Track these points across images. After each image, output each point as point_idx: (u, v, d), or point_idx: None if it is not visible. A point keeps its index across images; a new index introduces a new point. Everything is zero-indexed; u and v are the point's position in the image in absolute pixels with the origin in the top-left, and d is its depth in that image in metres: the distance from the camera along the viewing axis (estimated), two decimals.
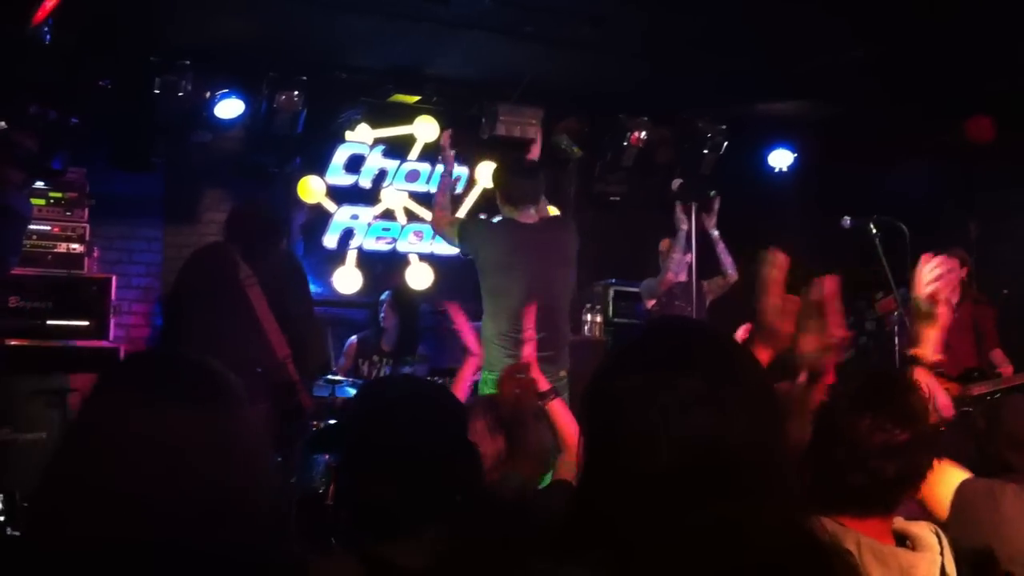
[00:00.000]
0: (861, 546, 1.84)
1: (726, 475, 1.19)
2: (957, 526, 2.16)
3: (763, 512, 1.18)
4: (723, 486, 1.18)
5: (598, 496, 1.24)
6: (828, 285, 2.32)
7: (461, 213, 7.59)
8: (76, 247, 5.89)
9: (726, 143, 7.70)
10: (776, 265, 2.33)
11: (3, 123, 4.39)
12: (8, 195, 3.42)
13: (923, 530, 1.96)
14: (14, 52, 5.08)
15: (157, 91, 6.12)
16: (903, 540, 1.94)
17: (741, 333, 4.12)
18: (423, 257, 7.52)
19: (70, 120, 5.66)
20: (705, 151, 7.75)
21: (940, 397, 2.24)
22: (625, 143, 7.52)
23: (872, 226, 5.32)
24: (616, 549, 1.18)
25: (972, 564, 2.10)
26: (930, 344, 2.45)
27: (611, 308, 7.49)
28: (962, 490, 2.26)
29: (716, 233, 6.47)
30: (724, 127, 7.65)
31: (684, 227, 6.11)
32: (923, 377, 2.19)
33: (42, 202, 5.79)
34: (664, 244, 6.61)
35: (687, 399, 1.20)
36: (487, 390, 4.35)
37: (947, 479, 2.24)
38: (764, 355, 2.24)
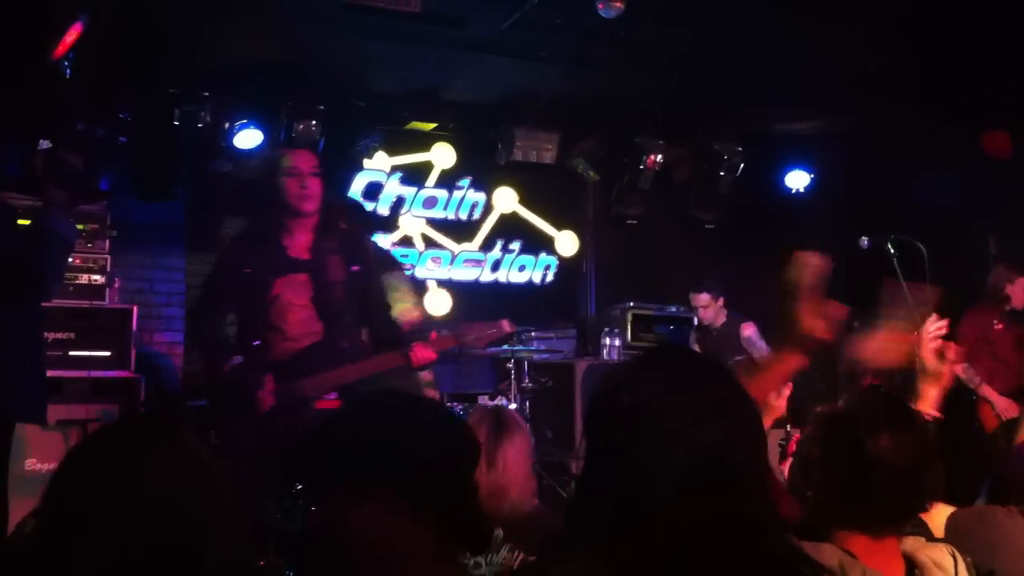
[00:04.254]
0: None
1: (717, 483, 1.24)
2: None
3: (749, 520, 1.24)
4: (712, 493, 1.24)
5: (594, 505, 1.29)
6: (815, 262, 2.28)
7: (479, 239, 7.63)
8: (97, 278, 5.93)
9: (743, 164, 7.71)
10: (808, 268, 2.28)
11: (48, 142, 4.41)
12: (53, 217, 3.43)
13: (935, 554, 1.94)
14: (36, 85, 5.16)
15: (177, 122, 6.20)
16: (912, 568, 1.92)
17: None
18: (441, 283, 7.54)
19: (118, 139, 5.72)
20: (722, 172, 7.75)
21: None
22: (642, 165, 7.53)
23: (890, 245, 5.29)
24: (607, 552, 1.22)
25: None
26: (930, 401, 2.50)
27: (629, 331, 7.48)
28: (954, 519, 2.27)
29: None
30: (741, 148, 7.66)
31: None
32: None
33: None
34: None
35: (684, 415, 1.27)
36: None
37: (936, 511, 2.24)
38: (794, 361, 2.21)
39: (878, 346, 2.28)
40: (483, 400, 6.20)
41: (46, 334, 5.45)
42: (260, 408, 3.98)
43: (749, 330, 6.92)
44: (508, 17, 5.49)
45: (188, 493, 1.40)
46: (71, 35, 5.13)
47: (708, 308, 7.12)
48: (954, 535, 2.22)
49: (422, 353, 4.21)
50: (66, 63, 5.25)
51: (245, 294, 4.19)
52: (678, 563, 1.22)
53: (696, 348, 6.93)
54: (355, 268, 4.28)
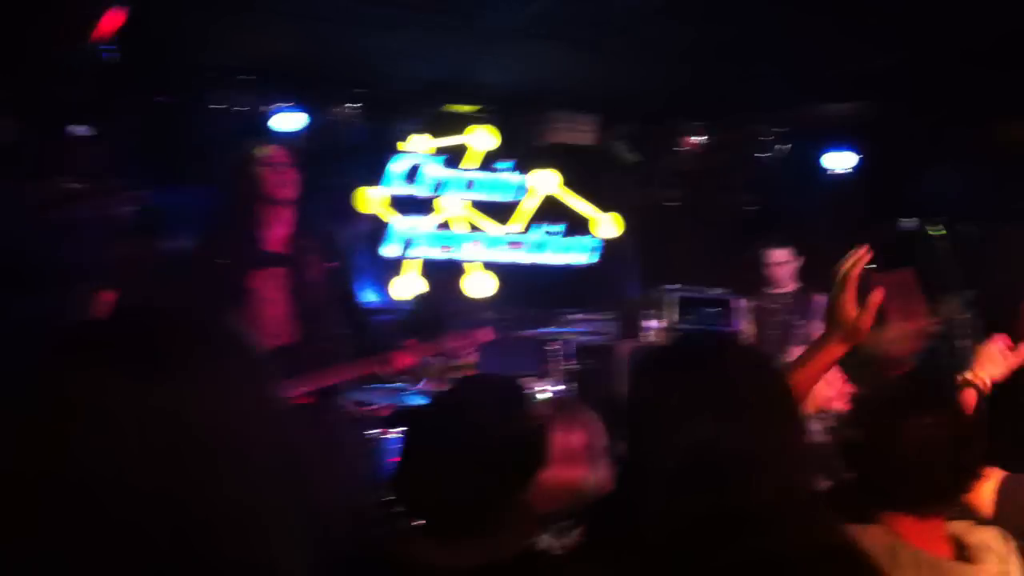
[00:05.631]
0: (920, 563, 1.82)
1: (737, 474, 1.25)
2: (1004, 519, 2.15)
3: (778, 509, 1.23)
4: (735, 484, 1.24)
5: (624, 494, 1.30)
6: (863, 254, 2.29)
7: (520, 221, 7.63)
8: None
9: (784, 145, 7.64)
10: (858, 260, 2.29)
11: (87, 129, 4.43)
12: (77, 208, 3.47)
13: (986, 537, 1.93)
14: (70, 69, 5.21)
15: (215, 107, 6.25)
16: (961, 549, 1.92)
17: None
18: (483, 265, 7.57)
19: (138, 133, 5.76)
20: (763, 154, 7.70)
21: None
22: (682, 147, 7.49)
23: (932, 228, 5.23)
24: (632, 546, 1.23)
25: None
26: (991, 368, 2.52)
27: (672, 313, 7.45)
28: (1005, 484, 2.26)
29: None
30: (783, 130, 7.59)
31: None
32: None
33: None
34: None
35: (704, 403, 1.28)
36: None
37: (987, 483, 2.24)
38: (839, 350, 2.22)
39: (894, 336, 2.28)
40: (527, 382, 6.22)
41: None
42: None
43: (824, 300, 6.42)
44: (533, 1, 5.47)
45: None
46: (109, 20, 5.18)
47: (785, 266, 6.46)
48: (1003, 498, 2.22)
49: (402, 360, 4.17)
50: (101, 47, 5.30)
51: (219, 287, 4.01)
52: (675, 562, 1.22)
53: (751, 325, 6.61)
54: (332, 265, 4.24)
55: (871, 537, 1.74)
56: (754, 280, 6.68)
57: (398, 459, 1.90)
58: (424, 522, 1.83)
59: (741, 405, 1.35)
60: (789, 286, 6.49)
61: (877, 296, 2.13)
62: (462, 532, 1.78)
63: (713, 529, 1.24)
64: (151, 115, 6.12)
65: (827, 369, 2.23)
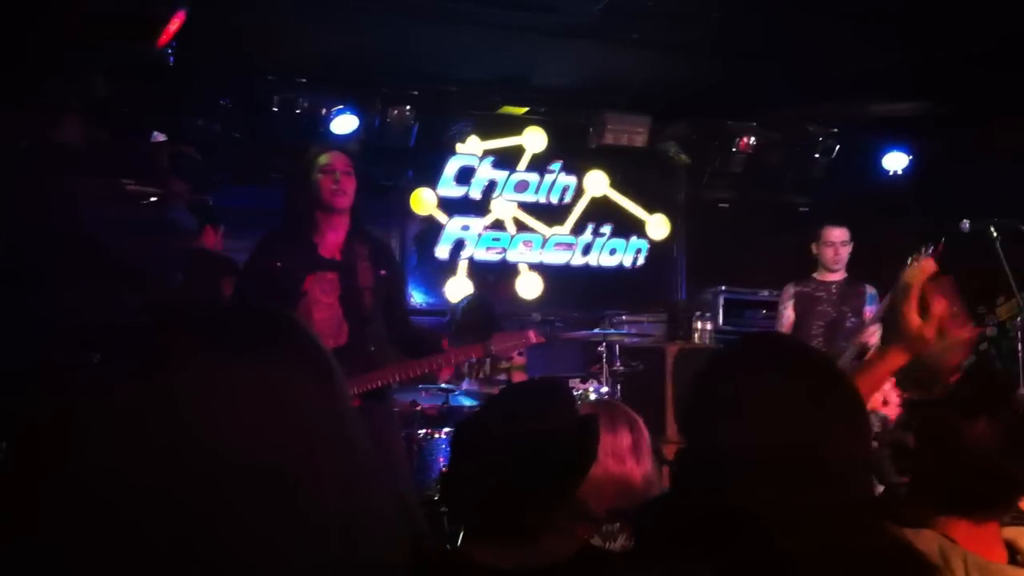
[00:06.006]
0: (968, 565, 1.82)
1: (810, 475, 1.26)
2: None
3: (846, 512, 1.24)
4: (803, 486, 1.25)
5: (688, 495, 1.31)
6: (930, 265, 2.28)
7: (570, 222, 7.65)
8: None
9: (838, 146, 7.58)
10: (923, 269, 2.28)
11: (163, 136, 4.54)
12: (172, 208, 3.53)
13: None
14: (139, 73, 5.31)
15: (275, 108, 6.35)
16: (1014, 554, 1.91)
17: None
18: (533, 267, 7.59)
19: (232, 134, 5.85)
20: (816, 154, 7.65)
21: None
22: (734, 149, 7.46)
23: (993, 229, 5.18)
24: (697, 547, 1.25)
25: None
26: None
27: (721, 315, 7.44)
28: None
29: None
30: (836, 130, 7.53)
31: None
32: None
33: None
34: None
35: (776, 403, 1.29)
36: None
37: None
38: (900, 360, 2.21)
39: (946, 344, 2.25)
40: (574, 384, 6.24)
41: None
42: None
43: (872, 289, 6.14)
44: (599, 1, 5.49)
45: None
46: (174, 23, 5.29)
47: (841, 248, 6.12)
48: None
49: (448, 370, 4.25)
50: (169, 50, 5.41)
51: (274, 289, 4.17)
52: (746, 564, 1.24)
53: (789, 312, 6.26)
54: (383, 272, 4.33)
55: (924, 541, 1.74)
56: (801, 266, 6.44)
57: (448, 466, 1.93)
58: (476, 525, 1.86)
59: (818, 406, 1.37)
60: (840, 273, 6.17)
61: (941, 305, 2.12)
62: (516, 535, 1.81)
63: (788, 528, 1.25)
64: (214, 117, 6.24)
65: (887, 378, 2.22)
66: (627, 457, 2.63)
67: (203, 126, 5.50)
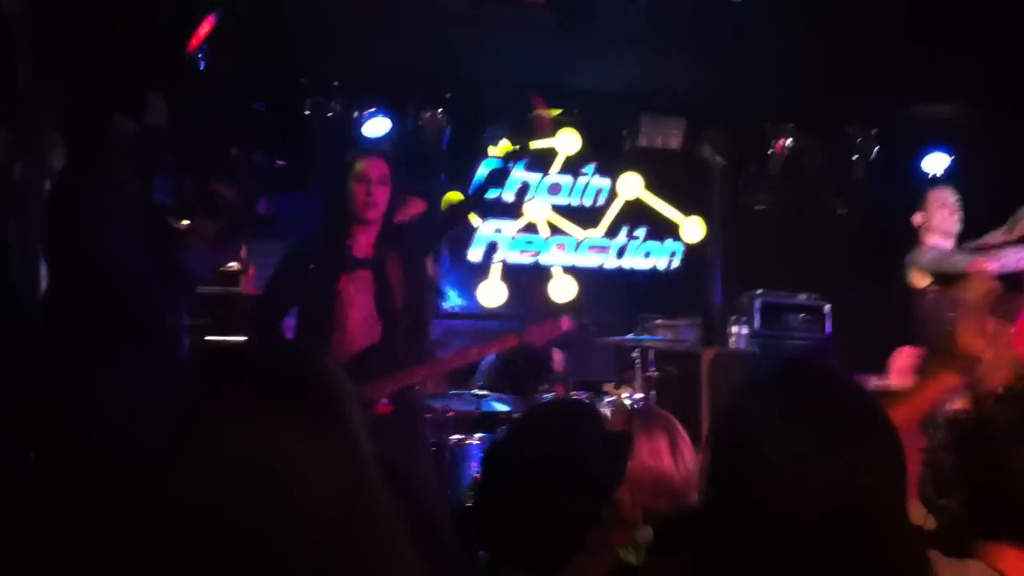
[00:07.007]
0: None
1: (852, 524, 1.20)
2: None
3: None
4: (848, 534, 1.20)
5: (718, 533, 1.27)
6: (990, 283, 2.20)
7: (604, 225, 7.59)
8: (234, 265, 6.13)
9: (877, 148, 7.47)
10: (978, 287, 2.21)
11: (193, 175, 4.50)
12: (194, 255, 3.46)
13: None
14: (177, 81, 5.31)
15: (308, 112, 6.35)
16: None
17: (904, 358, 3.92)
18: (566, 270, 7.55)
19: (275, 162, 5.84)
20: (855, 156, 7.53)
21: None
22: (770, 151, 7.37)
23: None
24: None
25: None
26: None
27: (758, 320, 7.34)
28: None
29: None
30: (874, 132, 7.42)
31: None
32: None
33: None
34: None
35: (817, 448, 1.23)
36: None
37: None
38: (951, 380, 2.14)
39: (988, 364, 2.17)
40: (608, 388, 6.19)
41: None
42: None
43: None
44: (634, 5, 5.44)
45: None
46: (204, 27, 5.29)
47: (955, 212, 5.38)
48: None
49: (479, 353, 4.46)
50: (200, 55, 5.41)
51: (309, 292, 4.22)
52: None
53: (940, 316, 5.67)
54: (413, 271, 4.40)
55: (970, 572, 1.68)
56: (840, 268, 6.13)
57: (476, 493, 1.92)
58: (508, 550, 1.83)
59: (863, 457, 1.29)
60: (951, 240, 5.31)
61: (1006, 331, 2.06)
62: (548, 558, 1.77)
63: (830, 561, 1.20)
64: (250, 122, 6.25)
65: (937, 401, 2.15)
66: (664, 454, 2.66)
67: (242, 156, 5.50)
